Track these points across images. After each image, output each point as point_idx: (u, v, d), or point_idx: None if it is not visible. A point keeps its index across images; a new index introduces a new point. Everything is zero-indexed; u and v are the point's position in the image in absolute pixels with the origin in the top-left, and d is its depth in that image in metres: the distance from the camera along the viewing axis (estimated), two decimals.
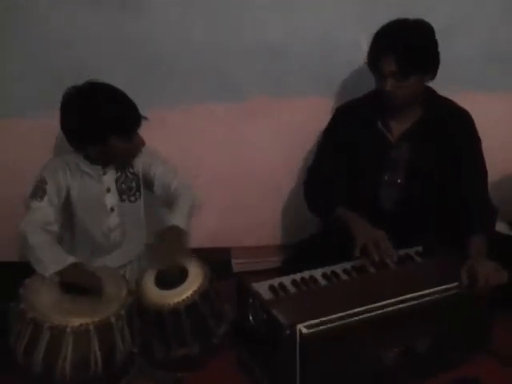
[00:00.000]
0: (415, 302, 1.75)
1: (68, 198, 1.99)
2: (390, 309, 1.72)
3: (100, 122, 1.85)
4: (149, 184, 2.09)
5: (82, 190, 2.00)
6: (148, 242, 2.13)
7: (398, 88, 1.96)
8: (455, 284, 1.83)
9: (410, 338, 1.78)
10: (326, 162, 2.18)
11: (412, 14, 1.98)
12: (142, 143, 1.99)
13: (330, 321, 1.65)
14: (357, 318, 1.67)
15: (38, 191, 1.94)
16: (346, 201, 2.09)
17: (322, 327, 1.63)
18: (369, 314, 1.69)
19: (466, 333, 1.89)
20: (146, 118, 1.94)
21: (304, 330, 1.61)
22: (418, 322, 1.77)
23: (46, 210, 1.92)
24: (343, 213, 2.04)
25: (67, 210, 2.01)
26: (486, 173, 2.11)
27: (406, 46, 1.92)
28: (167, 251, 1.87)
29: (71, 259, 1.84)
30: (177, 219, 1.93)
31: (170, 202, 2.04)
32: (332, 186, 2.14)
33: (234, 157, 2.49)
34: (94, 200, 2.02)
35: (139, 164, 2.07)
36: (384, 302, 1.73)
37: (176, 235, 1.90)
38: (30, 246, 1.86)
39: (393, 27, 1.97)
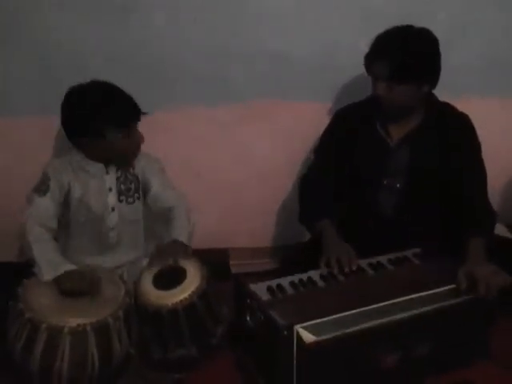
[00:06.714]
0: (417, 310, 1.74)
1: (68, 196, 2.01)
2: (389, 318, 1.71)
3: (96, 113, 1.88)
4: (144, 191, 2.11)
5: (84, 189, 2.01)
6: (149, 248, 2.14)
7: (389, 93, 1.95)
8: (456, 288, 1.82)
9: (409, 343, 1.77)
10: (321, 166, 2.18)
11: (411, 22, 1.97)
12: (141, 140, 2.00)
13: (331, 326, 1.66)
14: (358, 325, 1.67)
15: (42, 186, 1.97)
16: (332, 211, 2.09)
17: (324, 336, 1.63)
18: (369, 324, 1.68)
19: (465, 338, 1.88)
20: (145, 113, 1.96)
21: (308, 340, 1.61)
22: (418, 329, 1.76)
23: (47, 205, 1.96)
24: (323, 228, 2.05)
25: (65, 208, 2.02)
26: (485, 177, 2.09)
27: (402, 53, 1.90)
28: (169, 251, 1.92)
29: (64, 267, 1.83)
30: (179, 233, 1.98)
31: (163, 214, 2.08)
32: (322, 195, 2.13)
33: (234, 159, 2.49)
34: (96, 199, 2.02)
35: (140, 167, 2.09)
36: (384, 304, 1.74)
37: (179, 248, 1.94)
38: (28, 242, 1.88)
39: (394, 32, 1.96)
